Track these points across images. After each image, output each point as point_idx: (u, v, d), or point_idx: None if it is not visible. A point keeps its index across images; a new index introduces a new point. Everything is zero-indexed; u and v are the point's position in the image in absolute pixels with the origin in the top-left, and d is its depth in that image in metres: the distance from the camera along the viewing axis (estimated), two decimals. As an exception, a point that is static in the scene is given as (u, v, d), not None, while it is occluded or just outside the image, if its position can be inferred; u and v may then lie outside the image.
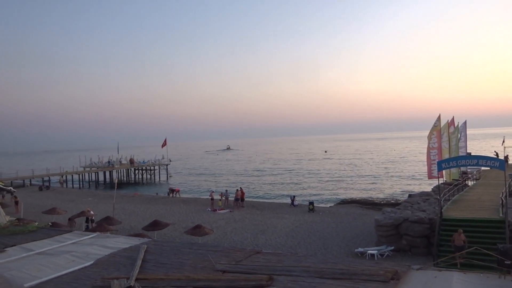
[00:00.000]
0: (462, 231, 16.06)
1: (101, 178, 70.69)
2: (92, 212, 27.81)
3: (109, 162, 72.79)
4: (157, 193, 49.07)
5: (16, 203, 33.60)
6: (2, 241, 11.46)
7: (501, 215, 18.36)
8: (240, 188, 39.22)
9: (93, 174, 70.34)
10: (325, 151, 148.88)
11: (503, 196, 19.74)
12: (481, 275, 6.31)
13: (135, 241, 10.54)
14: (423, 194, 30.54)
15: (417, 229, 19.15)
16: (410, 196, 32.80)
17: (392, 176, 63.98)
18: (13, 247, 10.77)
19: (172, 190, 45.65)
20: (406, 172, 69.37)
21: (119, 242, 10.38)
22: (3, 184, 49.65)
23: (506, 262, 11.87)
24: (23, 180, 61.18)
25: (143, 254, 8.60)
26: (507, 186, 21.01)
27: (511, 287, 5.63)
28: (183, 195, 47.59)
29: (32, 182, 62.02)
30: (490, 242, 15.99)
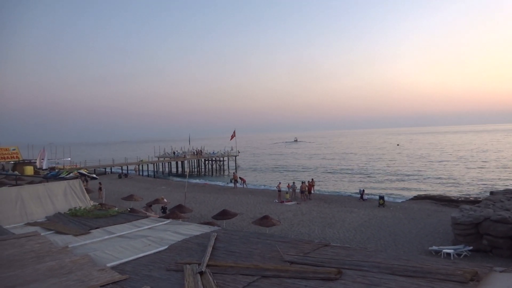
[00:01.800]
0: None
1: (173, 168, 74.20)
2: (165, 200, 29.26)
3: (174, 153, 76.15)
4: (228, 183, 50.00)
5: (100, 189, 36.33)
6: (88, 224, 12.49)
7: None
8: (312, 179, 38.99)
9: (166, 164, 74.01)
10: (398, 144, 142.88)
11: None
12: None
13: (206, 229, 10.93)
14: (507, 191, 28.17)
15: (500, 229, 17.75)
16: (492, 193, 30.43)
17: (471, 172, 59.78)
18: (97, 229, 11.71)
19: (235, 180, 46.19)
20: (487, 167, 64.39)
21: (191, 229, 10.83)
22: (87, 171, 54.07)
23: None
24: (105, 168, 66.16)
25: (213, 241, 8.89)
26: None
27: None
28: (251, 187, 48.41)
29: (113, 170, 66.80)
30: None
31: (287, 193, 35.73)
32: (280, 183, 39.54)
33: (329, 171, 68.08)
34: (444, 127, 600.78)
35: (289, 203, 33.12)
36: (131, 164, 68.18)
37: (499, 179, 50.99)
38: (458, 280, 5.80)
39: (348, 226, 24.30)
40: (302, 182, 37.01)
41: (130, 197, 29.65)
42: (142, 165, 68.94)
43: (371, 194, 37.84)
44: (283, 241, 8.87)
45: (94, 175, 53.39)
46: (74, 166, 59.45)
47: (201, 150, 77.11)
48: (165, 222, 12.38)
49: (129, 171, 64.86)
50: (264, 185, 51.60)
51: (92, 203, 17.09)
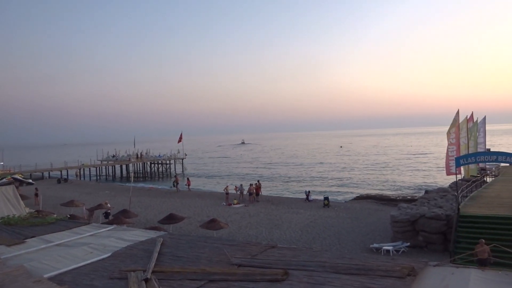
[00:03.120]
0: (483, 241, 13.52)
1: (118, 171, 71.73)
2: (109, 205, 28.22)
3: (113, 156, 73.68)
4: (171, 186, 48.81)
5: (36, 195, 34.29)
6: (22, 233, 11.73)
7: (521, 212, 18.01)
8: (258, 181, 39.25)
9: (110, 168, 71.39)
10: (341, 146, 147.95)
11: (523, 193, 19.35)
12: (500, 272, 6.20)
13: (152, 234, 10.67)
14: (440, 190, 30.11)
15: (433, 225, 18.91)
16: (426, 192, 32.37)
17: (408, 172, 63.27)
18: (33, 239, 11.01)
19: (177, 182, 44.90)
20: (423, 168, 68.47)
21: (135, 235, 10.52)
22: (22, 176, 50.81)
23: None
24: (42, 173, 62.50)
25: (159, 247, 8.70)
26: (527, 183, 20.56)
27: (532, 286, 5.51)
28: (198, 190, 47.90)
29: (51, 175, 63.32)
30: (509, 239, 15.73)
31: (235, 199, 35.55)
32: (227, 185, 39.49)
33: (276, 172, 69.07)
34: (385, 129, 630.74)
35: (237, 206, 33.17)
36: (71, 168, 65.00)
37: (433, 178, 54.38)
38: (397, 276, 6.11)
39: (294, 227, 24.76)
40: (250, 184, 37.20)
41: (70, 203, 28.28)
42: (83, 169, 65.98)
43: (317, 195, 38.84)
44: (231, 244, 8.87)
45: (30, 180, 50.26)
46: (8, 171, 55.56)
47: (141, 154, 74.58)
48: (108, 228, 11.92)
49: (69, 176, 61.80)
50: (212, 188, 51.32)
51: (27, 210, 16.11)
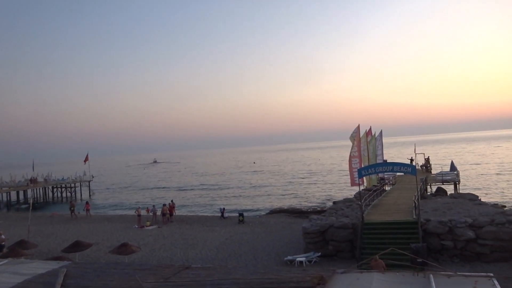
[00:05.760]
0: (377, 257, 12.74)
1: (13, 198, 64.92)
2: (3, 236, 25.37)
3: None
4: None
5: None
6: None
7: (414, 216, 19.90)
8: (171, 201, 38.25)
9: (5, 194, 64.31)
10: (254, 162, 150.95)
11: (416, 199, 21.44)
12: (398, 274, 6.75)
13: (53, 265, 9.80)
14: (346, 200, 32.10)
15: (341, 234, 20.03)
16: (334, 203, 34.27)
17: (317, 185, 66.53)
18: None
19: (72, 208, 41.17)
20: (331, 180, 72.56)
21: (34, 268, 9.57)
22: None
23: (418, 260, 12.85)
24: None
25: (62, 279, 8.02)
26: (418, 189, 22.84)
27: (424, 283, 6.08)
28: (107, 213, 45.28)
29: None
30: (405, 242, 17.24)
31: (147, 221, 34.00)
32: (139, 207, 37.90)
33: (189, 191, 68.11)
34: (291, 144, 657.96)
35: (150, 227, 31.96)
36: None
37: (339, 189, 57.84)
38: (307, 286, 6.36)
39: (210, 246, 24.54)
40: (163, 205, 36.17)
41: (-46, 237, 24.90)
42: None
43: (232, 211, 39.01)
44: (142, 269, 8.51)
45: None
46: None
47: (36, 178, 67.92)
48: (1, 263, 10.69)
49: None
50: (122, 210, 48.87)
51: None
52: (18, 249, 19.65)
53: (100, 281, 7.97)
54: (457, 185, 39.62)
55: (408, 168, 21.56)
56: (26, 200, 62.43)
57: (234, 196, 57.62)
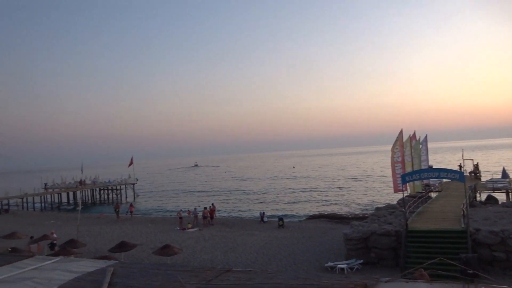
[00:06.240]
0: (422, 270, 12.40)
1: (64, 199, 68.26)
2: (55, 235, 26.71)
3: (45, 184, 69.97)
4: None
5: (-28, 228, 31.81)
6: (-43, 270, 10.82)
7: (463, 225, 19.04)
8: (212, 204, 38.81)
9: (56, 196, 67.75)
10: (293, 167, 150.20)
11: (464, 207, 20.51)
12: (446, 285, 6.47)
13: (101, 264, 10.17)
14: (389, 207, 31.25)
15: (384, 241, 19.51)
16: (377, 209, 33.48)
17: (359, 190, 65.19)
18: (-31, 276, 10.17)
19: (118, 209, 42.90)
20: (372, 185, 70.88)
21: (83, 266, 9.98)
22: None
23: (469, 271, 12.25)
24: (-20, 204, 58.12)
25: (109, 277, 8.30)
26: (467, 197, 21.85)
27: (475, 295, 5.79)
28: (150, 215, 46.54)
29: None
30: (453, 252, 16.52)
31: (189, 223, 34.73)
32: (181, 209, 38.73)
33: (230, 195, 68.72)
34: (332, 149, 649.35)
35: (191, 230, 32.54)
36: (13, 197, 60.98)
37: (381, 195, 56.37)
38: (350, 293, 6.21)
39: (249, 249, 24.62)
40: (204, 208, 36.73)
41: (11, 235, 26.46)
42: (26, 198, 62.15)
43: (271, 216, 38.98)
44: (185, 270, 8.63)
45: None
46: None
47: (84, 180, 71.03)
48: (53, 260, 11.22)
49: (10, 206, 57.91)
50: (165, 213, 50.08)
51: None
52: (68, 248, 20.60)
53: (145, 281, 8.19)
54: (510, 193, 37.51)
55: (456, 175, 20.68)
56: (75, 202, 65.43)
57: (274, 201, 57.53)
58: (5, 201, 58.31)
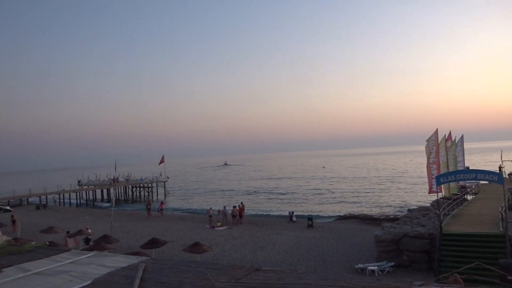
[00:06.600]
0: (457, 275, 11.49)
1: (98, 196, 70.40)
2: (90, 231, 27.57)
3: (79, 181, 72.29)
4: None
5: (13, 222, 33.27)
6: (-1, 261, 11.32)
7: (501, 229, 18.28)
8: (241, 203, 39.02)
9: (91, 192, 69.99)
10: (323, 167, 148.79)
11: (503, 210, 19.68)
12: (483, 290, 6.24)
13: (133, 259, 10.40)
14: (422, 208, 30.46)
15: (417, 244, 19.03)
16: (409, 211, 32.68)
17: (390, 191, 63.85)
18: (10, 268, 10.59)
19: (149, 207, 43.69)
20: (404, 186, 69.25)
21: (117, 261, 10.23)
22: (0, 203, 49.41)
23: (508, 277, 11.74)
24: (20, 199, 60.76)
25: (141, 273, 8.47)
26: (506, 200, 20.96)
27: (514, 303, 5.57)
28: (180, 213, 47.22)
29: (29, 201, 61.61)
30: (490, 257, 15.90)
31: (218, 221, 35.17)
32: (210, 208, 39.12)
33: (259, 194, 68.82)
34: (364, 149, 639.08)
35: (221, 228, 32.81)
36: (50, 193, 63.46)
37: (414, 196, 54.99)
38: (382, 296, 6.08)
39: (279, 249, 24.57)
40: (234, 206, 36.95)
41: (49, 230, 27.53)
42: (63, 195, 64.49)
43: (300, 215, 38.75)
44: (214, 268, 8.71)
45: (8, 207, 48.97)
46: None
47: (117, 178, 73.09)
48: (88, 255, 11.56)
49: (48, 201, 60.26)
50: (194, 211, 50.72)
51: (4, 238, 15.57)
52: (102, 243, 21.20)
53: (176, 278, 8.30)
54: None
55: (494, 176, 19.84)
56: (109, 198, 67.31)
57: (303, 201, 57.18)
58: (43, 197, 60.77)
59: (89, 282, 8.66)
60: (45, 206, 55.46)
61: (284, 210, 46.02)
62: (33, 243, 15.53)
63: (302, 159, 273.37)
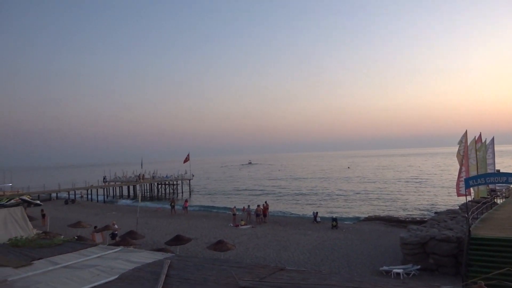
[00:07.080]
0: (482, 282, 10.82)
1: (125, 192, 71.85)
2: (116, 226, 28.17)
3: (104, 178, 73.70)
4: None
5: (43, 216, 34.34)
6: (30, 254, 11.70)
7: (533, 234, 17.65)
8: (265, 202, 39.04)
9: (117, 189, 71.54)
10: (348, 167, 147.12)
11: (536, 214, 19.02)
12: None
13: (159, 256, 10.58)
14: (449, 212, 29.71)
15: (444, 248, 18.58)
16: (436, 213, 31.96)
17: (417, 193, 62.52)
18: (40, 260, 10.96)
19: (173, 204, 44.34)
20: (431, 189, 67.68)
21: (143, 257, 10.44)
22: (30, 197, 51.13)
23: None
24: (50, 194, 62.79)
25: (166, 269, 8.61)
26: (539, 204, 20.22)
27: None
28: (205, 211, 47.63)
29: (59, 196, 63.55)
30: (522, 262, 15.36)
31: (242, 220, 35.33)
32: (234, 206, 39.30)
33: (283, 193, 68.65)
34: (390, 150, 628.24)
35: (244, 227, 32.93)
36: (79, 189, 65.24)
37: (442, 199, 53.67)
38: (408, 300, 5.98)
39: (302, 249, 24.46)
40: (258, 205, 37.01)
41: (77, 224, 28.28)
42: (91, 190, 66.18)
43: (325, 216, 38.45)
44: (238, 266, 8.77)
45: (38, 202, 50.59)
46: (16, 192, 55.94)
47: (143, 175, 74.32)
48: (115, 250, 11.84)
49: (76, 197, 61.97)
50: (219, 209, 51.07)
51: (35, 231, 16.07)
52: (128, 239, 21.62)
53: (200, 275, 8.39)
54: None
55: (527, 180, 19.17)
56: (135, 194, 68.61)
57: (327, 201, 56.70)
58: (72, 192, 62.53)
59: (116, 276, 8.87)
60: (73, 201, 57.05)
61: (308, 210, 45.76)
62: (62, 237, 16.02)
63: (328, 159, 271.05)
